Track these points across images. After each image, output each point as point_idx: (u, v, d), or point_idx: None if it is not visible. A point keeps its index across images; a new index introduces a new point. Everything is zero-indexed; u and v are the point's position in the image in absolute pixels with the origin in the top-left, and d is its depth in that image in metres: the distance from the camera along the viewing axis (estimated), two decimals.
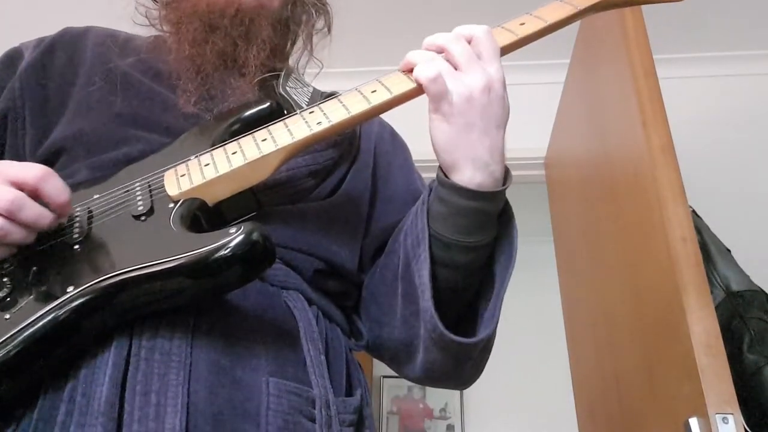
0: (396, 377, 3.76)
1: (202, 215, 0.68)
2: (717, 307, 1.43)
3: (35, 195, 0.63)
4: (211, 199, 0.69)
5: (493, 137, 0.68)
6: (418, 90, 0.69)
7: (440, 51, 0.69)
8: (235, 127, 0.76)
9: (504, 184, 0.70)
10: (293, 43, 0.93)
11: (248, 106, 0.78)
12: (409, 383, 3.68)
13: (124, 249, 0.64)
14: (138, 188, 0.70)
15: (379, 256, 0.85)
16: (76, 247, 0.65)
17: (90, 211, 0.69)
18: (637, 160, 1.36)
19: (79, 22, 0.94)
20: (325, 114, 0.70)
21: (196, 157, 0.72)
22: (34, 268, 0.64)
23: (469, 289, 0.74)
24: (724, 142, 2.27)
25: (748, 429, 1.10)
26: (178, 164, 0.71)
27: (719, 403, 1.02)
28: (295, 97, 0.86)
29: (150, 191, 0.70)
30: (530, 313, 3.14)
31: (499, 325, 0.72)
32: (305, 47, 0.93)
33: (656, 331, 1.26)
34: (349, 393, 0.74)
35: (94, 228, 0.67)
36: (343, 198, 0.83)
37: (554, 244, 2.14)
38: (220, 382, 0.62)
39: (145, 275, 0.59)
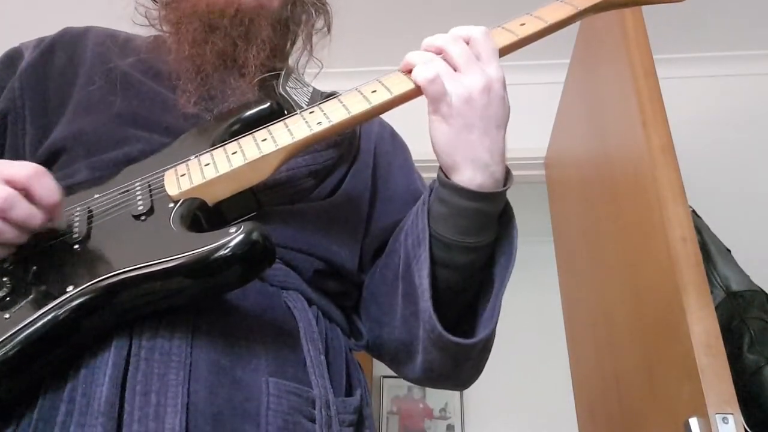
0: (396, 377, 3.74)
1: (202, 215, 0.68)
2: (717, 307, 1.43)
3: (28, 195, 0.62)
4: (211, 199, 0.69)
5: (493, 138, 0.68)
6: (418, 90, 0.69)
7: (439, 52, 0.69)
8: (235, 127, 0.76)
9: (505, 185, 0.70)
10: (293, 43, 0.93)
11: (248, 106, 0.78)
12: (409, 383, 3.68)
13: (124, 249, 0.64)
14: (138, 188, 0.71)
15: (379, 256, 0.85)
16: (76, 246, 0.65)
17: (90, 211, 0.69)
18: (637, 160, 1.36)
19: (79, 22, 0.94)
20: (325, 114, 0.70)
21: (196, 157, 0.72)
22: (34, 268, 0.64)
23: (468, 290, 0.74)
24: (724, 142, 2.27)
25: (748, 429, 1.10)
26: (178, 164, 0.71)
27: (719, 403, 1.02)
28: (295, 97, 0.86)
29: (150, 191, 0.70)
30: (530, 313, 3.14)
31: (498, 325, 0.72)
32: (305, 47, 0.93)
33: (656, 331, 1.27)
34: (349, 393, 0.74)
35: (94, 228, 0.67)
36: (343, 198, 0.83)
37: (554, 244, 2.14)
38: (220, 382, 0.62)
39: (145, 275, 0.59)
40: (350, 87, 0.73)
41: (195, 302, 0.63)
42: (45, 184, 0.63)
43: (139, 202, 0.68)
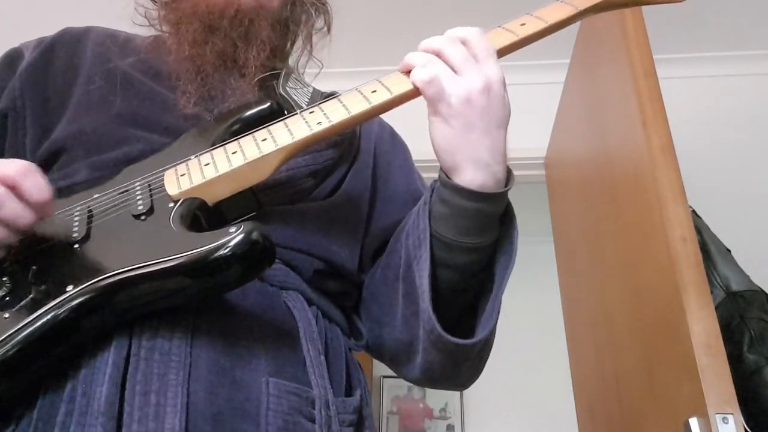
0: (396, 377, 3.73)
1: (202, 215, 0.68)
2: (717, 307, 1.43)
3: (17, 193, 0.61)
4: (211, 199, 0.69)
5: (494, 138, 0.68)
6: (418, 91, 0.69)
7: (436, 54, 0.69)
8: (236, 127, 0.76)
9: (506, 185, 0.70)
10: (293, 43, 0.93)
11: (248, 107, 0.78)
12: (410, 383, 3.67)
13: (124, 248, 0.64)
14: (138, 188, 0.71)
15: (379, 256, 0.85)
16: (76, 246, 0.65)
17: (90, 211, 0.69)
18: (637, 160, 1.36)
19: (79, 22, 0.94)
20: (325, 114, 0.70)
21: (196, 156, 0.72)
22: (34, 268, 0.64)
23: (469, 290, 0.74)
24: (724, 142, 2.27)
25: (748, 429, 1.10)
26: (178, 164, 0.71)
27: (719, 403, 1.02)
28: (295, 97, 0.86)
29: (150, 191, 0.70)
30: (530, 313, 3.14)
31: (498, 325, 0.72)
32: (305, 47, 0.93)
33: (656, 331, 1.26)
34: (349, 393, 0.74)
35: (93, 227, 0.67)
36: (343, 198, 0.83)
37: (554, 244, 2.14)
38: (219, 382, 0.62)
39: (145, 274, 0.59)
40: (350, 87, 0.73)
41: (195, 302, 0.63)
42: (34, 181, 0.62)
43: (139, 202, 0.68)
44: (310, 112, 0.71)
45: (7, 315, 0.59)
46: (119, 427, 0.56)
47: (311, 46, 0.94)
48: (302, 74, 0.96)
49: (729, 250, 1.71)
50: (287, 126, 0.71)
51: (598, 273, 1.66)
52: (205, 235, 0.62)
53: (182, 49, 0.83)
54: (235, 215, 0.71)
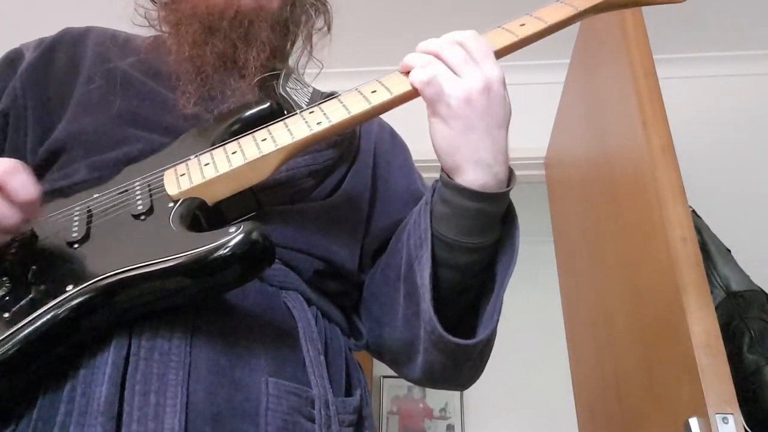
0: (396, 377, 3.74)
1: (202, 215, 0.68)
2: (717, 307, 1.43)
3: (2, 192, 0.61)
4: (210, 199, 0.69)
5: (495, 138, 0.67)
6: (417, 91, 0.69)
7: (435, 56, 0.69)
8: (235, 127, 0.76)
9: (508, 185, 0.70)
10: (293, 44, 0.93)
11: (248, 107, 0.78)
12: (410, 383, 3.68)
13: (124, 248, 0.64)
14: (138, 188, 0.71)
15: (379, 256, 0.85)
16: (76, 246, 0.65)
17: (89, 211, 0.69)
18: (637, 160, 1.36)
19: (79, 22, 0.94)
20: (325, 114, 0.70)
21: (196, 156, 0.72)
22: (34, 267, 0.64)
23: (470, 290, 0.74)
24: (724, 142, 2.27)
25: (748, 429, 1.10)
26: (178, 164, 0.71)
27: (719, 403, 1.02)
28: (295, 98, 0.86)
29: (150, 191, 0.70)
30: (530, 313, 3.14)
31: (498, 325, 0.72)
32: (305, 47, 0.93)
33: (656, 331, 1.26)
34: (349, 393, 0.74)
35: (93, 227, 0.67)
36: (343, 198, 0.83)
37: (554, 244, 2.14)
38: (219, 382, 0.62)
39: (145, 274, 0.59)
40: (350, 87, 0.73)
41: (194, 302, 0.63)
42: (20, 180, 0.61)
43: (139, 202, 0.68)
44: (310, 112, 0.71)
45: (6, 315, 0.59)
46: (119, 427, 0.56)
47: (311, 47, 0.94)
48: (302, 74, 0.96)
49: (729, 250, 1.71)
50: (287, 126, 0.71)
51: (598, 273, 1.66)
52: (204, 235, 0.62)
53: (182, 50, 0.83)
54: (234, 215, 0.71)
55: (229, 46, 0.83)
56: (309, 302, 0.75)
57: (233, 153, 0.70)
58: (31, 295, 0.60)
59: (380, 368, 3.54)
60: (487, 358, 0.76)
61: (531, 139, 2.13)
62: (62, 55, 0.87)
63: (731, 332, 1.51)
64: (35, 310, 0.58)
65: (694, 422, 1.04)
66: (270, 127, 0.72)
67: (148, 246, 0.63)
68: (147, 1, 0.93)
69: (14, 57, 0.88)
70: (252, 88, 0.82)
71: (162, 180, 0.70)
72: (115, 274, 0.59)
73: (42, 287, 0.61)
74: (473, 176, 0.67)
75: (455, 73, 0.67)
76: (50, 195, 0.75)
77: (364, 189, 0.87)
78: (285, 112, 0.77)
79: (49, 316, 0.58)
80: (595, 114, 1.73)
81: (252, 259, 0.60)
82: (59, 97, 0.83)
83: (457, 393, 3.63)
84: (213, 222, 0.69)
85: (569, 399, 1.91)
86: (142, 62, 0.86)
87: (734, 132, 2.29)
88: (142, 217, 0.67)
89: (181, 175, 0.69)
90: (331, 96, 0.75)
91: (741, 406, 1.03)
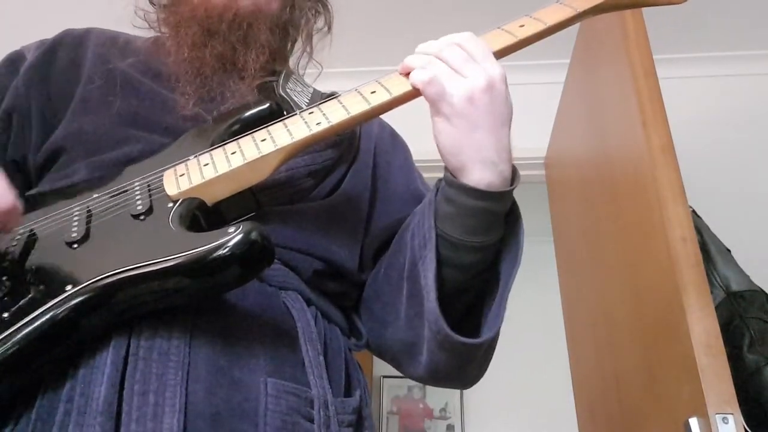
0: (396, 377, 3.77)
1: (202, 215, 0.68)
2: (717, 307, 1.43)
3: None
4: (210, 199, 0.69)
5: (499, 136, 0.67)
6: (417, 91, 0.69)
7: (435, 56, 0.69)
8: (235, 127, 0.76)
9: (512, 183, 0.70)
10: (293, 45, 0.93)
11: (248, 107, 0.78)
12: (410, 383, 3.68)
13: (123, 248, 0.64)
14: (137, 188, 0.71)
15: (379, 255, 0.85)
16: (75, 246, 0.65)
17: (89, 211, 0.69)
18: (637, 160, 1.35)
19: (79, 22, 0.94)
20: (324, 114, 0.70)
21: (196, 157, 0.72)
22: (33, 267, 0.64)
23: (472, 289, 0.74)
24: (724, 142, 2.27)
25: (748, 429, 1.10)
26: (178, 164, 0.72)
27: (719, 403, 1.02)
28: (295, 98, 0.86)
29: (149, 191, 0.70)
30: (530, 313, 3.14)
31: None
32: (305, 48, 0.93)
33: (656, 331, 1.26)
34: (348, 393, 0.74)
35: (93, 227, 0.67)
36: (343, 198, 0.83)
37: (554, 244, 2.14)
38: (218, 382, 0.62)
39: (144, 274, 0.59)
40: (350, 87, 0.73)
41: (194, 302, 0.63)
42: None
43: (138, 202, 0.68)
44: (310, 113, 0.71)
45: (6, 315, 0.59)
46: (117, 426, 0.56)
47: (311, 48, 0.94)
48: (302, 75, 0.96)
49: (729, 250, 1.71)
50: (286, 126, 0.71)
51: (598, 273, 1.66)
52: (204, 235, 0.62)
53: (181, 52, 0.83)
54: (234, 215, 0.71)
55: (228, 49, 0.83)
56: (308, 302, 0.75)
57: (232, 153, 0.70)
58: (30, 295, 0.60)
59: (380, 368, 3.54)
60: (491, 357, 0.76)
61: (531, 139, 2.13)
62: (63, 55, 0.87)
63: (731, 332, 1.51)
64: (35, 310, 0.58)
65: (694, 422, 1.04)
66: (269, 128, 0.72)
67: (148, 246, 0.63)
68: (146, 3, 0.93)
69: (15, 58, 0.88)
70: (251, 90, 0.82)
71: (161, 180, 0.70)
72: (115, 274, 0.59)
73: (41, 287, 0.61)
74: (479, 175, 0.67)
75: (457, 72, 0.67)
76: (50, 195, 0.75)
77: (364, 189, 0.87)
78: (285, 113, 0.77)
79: (48, 316, 0.58)
80: (595, 114, 1.73)
81: (251, 259, 0.60)
82: (60, 98, 0.83)
83: (457, 393, 3.63)
84: (212, 222, 0.69)
85: (569, 399, 1.91)
86: (142, 63, 0.86)
87: (734, 132, 2.29)
88: (142, 217, 0.67)
89: (181, 176, 0.70)
90: (330, 96, 0.75)
91: (741, 406, 1.03)
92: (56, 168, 0.78)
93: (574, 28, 1.76)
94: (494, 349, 0.75)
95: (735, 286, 1.61)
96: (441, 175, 0.73)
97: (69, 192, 0.74)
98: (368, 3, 2.23)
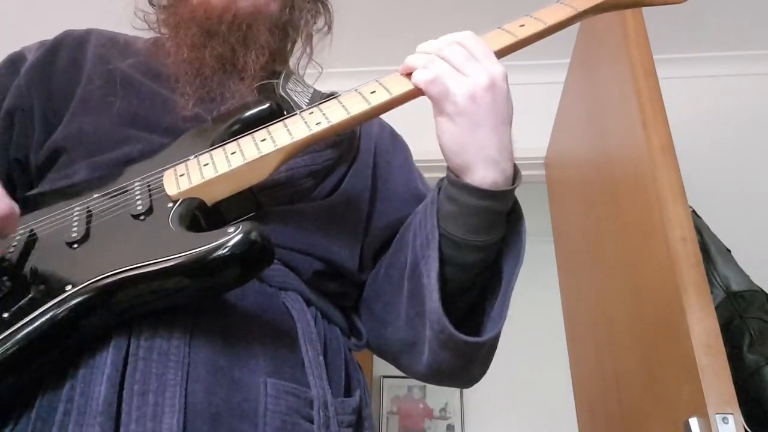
0: (396, 377, 3.78)
1: (201, 215, 0.68)
2: (717, 307, 1.43)
3: None
4: (210, 199, 0.69)
5: (501, 134, 0.68)
6: (418, 91, 0.69)
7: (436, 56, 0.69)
8: (235, 127, 0.77)
9: (513, 182, 0.70)
10: (293, 45, 0.93)
11: (248, 107, 0.78)
12: (410, 383, 3.69)
13: (123, 248, 0.64)
14: (137, 188, 0.71)
15: (380, 255, 0.85)
16: (75, 246, 0.65)
17: (89, 211, 0.69)
18: (637, 160, 1.35)
19: (79, 22, 0.94)
20: (324, 114, 0.70)
21: (196, 157, 0.72)
22: (33, 267, 0.64)
23: (474, 288, 0.75)
24: (724, 142, 2.27)
25: (748, 429, 1.10)
26: (178, 164, 0.72)
27: (719, 403, 1.02)
28: (295, 98, 0.86)
29: (149, 191, 0.70)
30: (530, 313, 3.13)
31: None
32: (305, 49, 0.93)
33: (656, 331, 1.26)
34: (348, 394, 0.74)
35: (93, 228, 0.67)
36: (343, 198, 0.83)
37: (554, 244, 2.14)
38: (218, 382, 0.62)
39: (144, 274, 0.59)
40: (350, 87, 0.73)
41: (194, 302, 0.63)
42: None
43: (138, 202, 0.68)
44: (310, 113, 0.71)
45: (5, 315, 0.59)
46: (117, 426, 0.56)
47: (311, 48, 0.94)
48: (302, 75, 0.96)
49: (729, 250, 1.71)
50: (286, 126, 0.71)
51: (598, 273, 1.66)
52: (203, 235, 0.62)
53: (181, 52, 0.83)
54: (234, 215, 0.71)
55: (227, 50, 0.83)
56: (308, 303, 0.75)
57: (232, 153, 0.70)
58: (30, 295, 0.60)
59: (380, 368, 3.54)
60: (493, 356, 0.76)
61: (531, 139, 2.13)
62: (64, 56, 0.87)
63: (731, 332, 1.51)
64: (34, 310, 0.58)
65: (694, 422, 1.04)
66: (269, 128, 0.72)
67: (148, 246, 0.63)
68: (146, 4, 0.93)
69: (16, 58, 0.88)
70: (251, 91, 0.82)
71: (161, 180, 0.70)
72: (115, 274, 0.59)
73: (41, 287, 0.61)
74: (482, 174, 0.67)
75: (459, 71, 0.67)
76: (50, 195, 0.75)
77: (364, 189, 0.87)
78: (285, 113, 0.77)
79: (48, 316, 0.58)
80: (595, 114, 1.73)
81: (251, 259, 0.60)
82: (61, 98, 0.83)
83: (457, 393, 3.63)
84: (212, 222, 0.69)
85: (569, 399, 1.91)
86: (143, 64, 0.86)
87: (734, 132, 2.29)
88: (142, 218, 0.67)
89: (181, 176, 0.70)
90: (330, 96, 0.75)
91: (741, 406, 1.03)
92: (56, 168, 0.79)
93: (574, 28, 1.76)
94: (496, 348, 0.75)
95: (735, 286, 1.61)
96: (441, 174, 0.73)
97: (69, 192, 0.74)
98: (368, 3, 2.23)
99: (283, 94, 0.85)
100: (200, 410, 0.59)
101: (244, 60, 0.83)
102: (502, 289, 0.71)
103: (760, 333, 1.50)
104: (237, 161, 0.69)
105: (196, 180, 0.68)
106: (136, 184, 0.71)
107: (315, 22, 0.93)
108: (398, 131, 0.99)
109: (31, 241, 0.67)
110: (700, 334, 1.09)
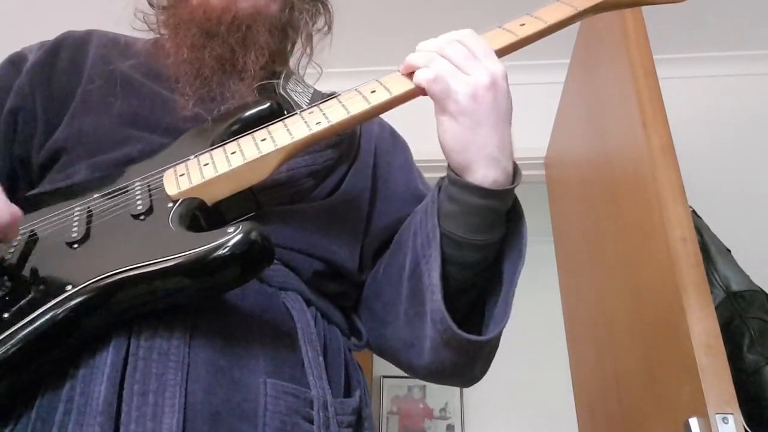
0: (396, 377, 3.77)
1: (201, 215, 0.68)
2: (717, 307, 1.43)
3: None
4: (210, 199, 0.69)
5: (501, 133, 0.68)
6: (418, 90, 0.69)
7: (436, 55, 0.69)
8: (235, 127, 0.77)
9: (513, 180, 0.70)
10: (293, 46, 0.93)
11: (248, 107, 0.78)
12: (410, 383, 3.69)
13: (123, 248, 0.64)
14: (137, 188, 0.71)
15: (379, 255, 0.85)
16: (75, 246, 0.65)
17: (89, 211, 0.69)
18: (637, 160, 1.35)
19: (79, 22, 0.94)
20: (324, 114, 0.70)
21: (196, 156, 0.72)
22: (33, 267, 0.64)
23: (474, 288, 0.75)
24: (724, 142, 2.27)
25: (748, 429, 1.10)
26: (178, 164, 0.71)
27: (719, 403, 1.02)
28: (296, 98, 0.86)
29: (149, 191, 0.70)
30: (530, 313, 3.13)
31: None
32: (304, 49, 0.93)
33: (656, 331, 1.26)
34: (348, 394, 0.74)
35: (93, 228, 0.67)
36: (343, 198, 0.83)
37: (554, 244, 2.14)
38: (217, 382, 0.62)
39: (144, 274, 0.59)
40: (350, 87, 0.73)
41: (194, 302, 0.63)
42: None
43: (138, 202, 0.68)
44: (310, 113, 0.71)
45: (6, 315, 0.59)
46: (117, 426, 0.56)
47: (311, 49, 0.94)
48: (303, 75, 0.96)
49: (729, 250, 1.71)
50: (286, 126, 0.71)
51: (598, 273, 1.66)
52: (203, 235, 0.62)
53: (180, 53, 0.83)
54: (234, 215, 0.71)
55: (227, 51, 0.83)
56: (308, 303, 0.75)
57: (232, 153, 0.70)
58: (30, 295, 0.60)
59: (380, 368, 3.54)
60: (494, 355, 0.76)
61: (531, 139, 2.13)
62: (65, 56, 0.87)
63: (731, 332, 1.51)
64: (35, 310, 0.58)
65: (694, 422, 1.04)
66: (269, 128, 0.72)
67: (148, 246, 0.63)
68: (146, 5, 0.93)
69: (16, 59, 0.88)
70: (251, 92, 0.82)
71: (161, 180, 0.70)
72: (115, 274, 0.59)
73: (41, 287, 0.61)
74: (484, 172, 0.67)
75: (460, 69, 0.67)
76: (51, 195, 0.75)
77: (364, 189, 0.87)
78: (285, 113, 0.77)
79: (48, 316, 0.58)
80: (595, 114, 1.73)
81: (251, 259, 0.60)
82: (62, 98, 0.83)
83: (457, 393, 3.63)
84: (212, 222, 0.69)
85: (569, 399, 1.91)
86: (143, 64, 0.86)
87: (734, 132, 2.29)
88: (142, 217, 0.67)
89: (181, 176, 0.70)
90: (331, 96, 0.75)
91: (741, 406, 1.03)
92: (57, 168, 0.79)
93: (574, 28, 1.76)
94: (498, 347, 0.75)
95: (735, 286, 1.61)
96: (442, 174, 0.73)
97: (70, 192, 0.74)
98: (368, 3, 2.23)
99: (283, 93, 0.85)
100: (200, 410, 0.59)
101: (244, 61, 0.83)
102: (504, 288, 0.71)
103: (760, 333, 1.50)
104: (237, 161, 0.69)
105: (196, 180, 0.68)
106: (137, 184, 0.71)
107: (315, 23, 0.93)
108: (398, 131, 0.99)
109: (31, 241, 0.67)
110: (700, 334, 1.09)
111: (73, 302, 0.58)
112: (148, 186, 0.70)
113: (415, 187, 0.91)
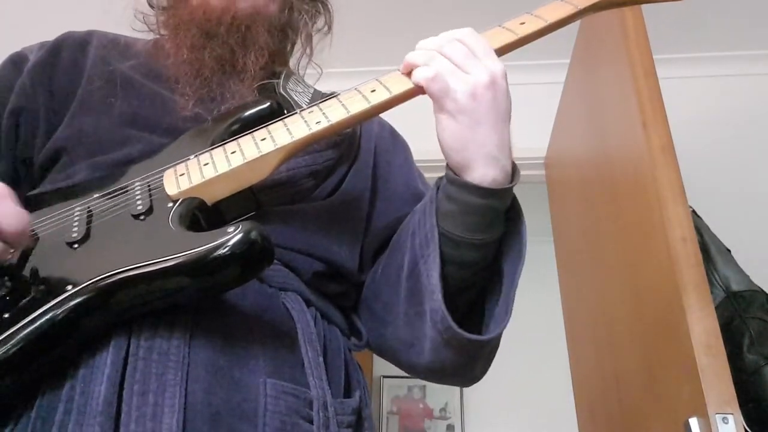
0: (396, 377, 3.77)
1: (201, 215, 0.68)
2: (717, 307, 1.43)
3: None
4: (210, 199, 0.69)
5: (501, 132, 0.68)
6: (418, 89, 0.69)
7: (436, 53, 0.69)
8: (235, 127, 0.76)
9: (512, 179, 0.70)
10: (293, 46, 0.93)
11: (248, 106, 0.78)
12: (410, 383, 3.69)
13: (123, 248, 0.64)
14: (137, 188, 0.71)
15: (379, 255, 0.85)
16: (75, 246, 0.65)
17: (89, 211, 0.69)
18: (637, 160, 1.35)
19: (78, 23, 0.94)
20: (324, 113, 0.70)
21: (195, 156, 0.72)
22: (33, 267, 0.64)
23: (473, 287, 0.74)
24: (724, 142, 2.27)
25: (748, 429, 1.10)
26: (178, 164, 0.71)
27: (719, 403, 1.02)
28: (296, 98, 0.86)
29: (149, 191, 0.70)
30: (530, 313, 3.13)
31: None
32: (304, 49, 0.93)
33: (656, 331, 1.26)
34: (348, 394, 0.74)
35: (93, 228, 0.67)
36: (343, 197, 0.83)
37: (554, 244, 2.14)
38: (217, 382, 0.62)
39: (144, 274, 0.59)
40: (350, 87, 0.73)
41: (194, 302, 0.63)
42: (5, 213, 0.59)
43: (139, 202, 0.68)
44: (309, 112, 0.71)
45: (6, 315, 0.59)
46: (117, 426, 0.56)
47: (311, 49, 0.94)
48: (303, 75, 0.96)
49: (729, 250, 1.71)
50: (286, 126, 0.71)
51: (598, 273, 1.66)
52: (203, 235, 0.62)
53: (180, 53, 0.83)
54: (234, 215, 0.71)
55: (227, 51, 0.83)
56: (308, 303, 0.75)
57: (232, 153, 0.70)
58: (31, 295, 0.60)
59: (380, 368, 3.54)
60: (495, 355, 0.76)
61: (531, 139, 2.13)
62: (65, 56, 0.87)
63: (731, 332, 1.51)
64: (35, 310, 0.58)
65: (694, 422, 1.04)
66: (269, 127, 0.72)
67: (148, 246, 0.63)
68: (146, 5, 0.93)
69: (17, 59, 0.88)
70: (251, 92, 0.82)
71: (161, 180, 0.70)
72: (115, 274, 0.59)
73: (42, 287, 0.61)
74: (483, 171, 0.67)
75: (459, 68, 0.67)
76: (51, 195, 0.75)
77: (365, 188, 0.87)
78: (285, 113, 0.77)
79: (48, 316, 0.58)
80: (595, 114, 1.73)
81: (251, 258, 0.60)
82: (62, 99, 0.83)
83: (457, 393, 3.63)
84: (212, 222, 0.69)
85: (569, 399, 1.91)
86: (143, 65, 0.86)
87: (734, 132, 2.29)
88: (142, 217, 0.67)
89: (181, 175, 0.69)
90: (331, 96, 0.75)
91: (741, 406, 1.03)
92: (58, 168, 0.79)
93: (574, 28, 1.76)
94: (498, 346, 0.75)
95: (735, 286, 1.61)
96: (441, 174, 0.73)
97: (70, 192, 0.74)
98: (368, 3, 2.23)
99: (283, 93, 0.85)
100: (200, 410, 0.59)
101: (244, 61, 0.83)
102: (504, 288, 0.71)
103: (760, 333, 1.50)
104: (237, 161, 0.69)
105: (196, 179, 0.68)
106: (137, 184, 0.71)
107: (314, 23, 0.93)
108: (398, 130, 0.99)
109: (31, 241, 0.67)
110: (700, 334, 1.09)
111: (73, 302, 0.58)
112: (148, 186, 0.70)
113: (415, 187, 0.91)
